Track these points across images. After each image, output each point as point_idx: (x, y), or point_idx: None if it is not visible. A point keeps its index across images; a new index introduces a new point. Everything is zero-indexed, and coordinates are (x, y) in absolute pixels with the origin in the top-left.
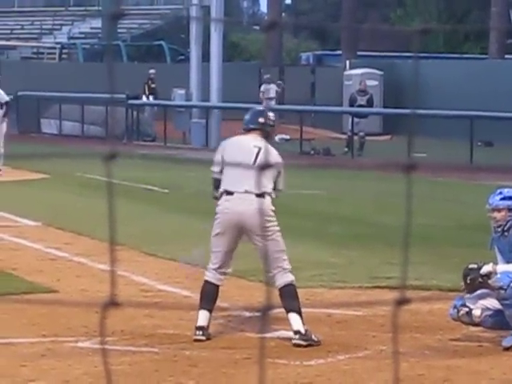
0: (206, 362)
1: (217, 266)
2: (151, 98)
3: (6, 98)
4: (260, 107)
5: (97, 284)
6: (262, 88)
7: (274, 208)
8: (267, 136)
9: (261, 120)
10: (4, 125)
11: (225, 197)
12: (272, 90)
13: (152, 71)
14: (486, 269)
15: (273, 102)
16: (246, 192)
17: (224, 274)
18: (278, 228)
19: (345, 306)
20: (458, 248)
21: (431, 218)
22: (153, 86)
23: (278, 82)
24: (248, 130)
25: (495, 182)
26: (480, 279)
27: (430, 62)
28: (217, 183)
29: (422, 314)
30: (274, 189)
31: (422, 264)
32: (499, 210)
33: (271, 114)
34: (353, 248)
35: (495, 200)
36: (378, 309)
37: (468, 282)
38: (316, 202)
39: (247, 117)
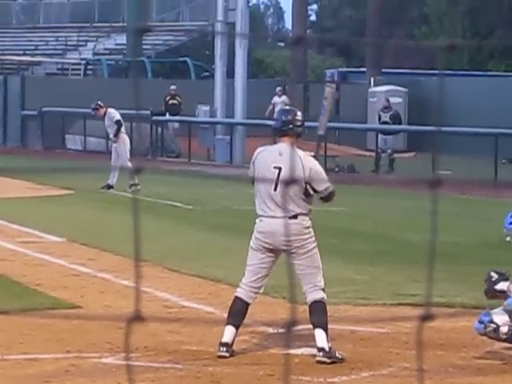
0: (230, 378)
1: (249, 280)
2: (167, 114)
3: (118, 117)
4: (285, 108)
5: (121, 300)
6: (273, 100)
7: (309, 225)
8: (298, 136)
9: (289, 119)
10: (126, 140)
11: (259, 217)
12: (281, 104)
13: (173, 87)
14: (501, 286)
15: None
16: (274, 217)
17: (256, 292)
18: (314, 245)
19: (368, 322)
20: (482, 265)
21: (455, 235)
22: (172, 102)
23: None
24: (279, 136)
25: None
26: (496, 293)
27: (454, 80)
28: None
29: (446, 331)
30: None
31: (446, 281)
32: None
33: (299, 113)
34: (377, 265)
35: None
36: (401, 326)
37: (484, 292)
38: (340, 219)
39: (275, 122)
